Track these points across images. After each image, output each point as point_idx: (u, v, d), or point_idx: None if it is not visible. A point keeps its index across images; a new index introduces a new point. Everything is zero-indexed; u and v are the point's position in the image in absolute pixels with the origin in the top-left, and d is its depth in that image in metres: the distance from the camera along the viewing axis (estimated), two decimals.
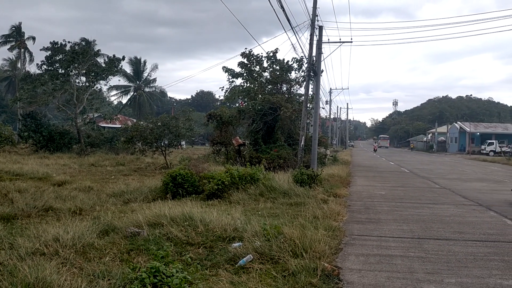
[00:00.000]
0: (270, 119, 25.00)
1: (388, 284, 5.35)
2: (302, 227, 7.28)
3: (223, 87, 28.91)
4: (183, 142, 32.22)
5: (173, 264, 5.31)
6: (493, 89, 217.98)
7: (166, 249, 6.02)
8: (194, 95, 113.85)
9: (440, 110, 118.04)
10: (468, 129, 74.17)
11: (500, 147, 65.71)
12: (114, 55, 37.16)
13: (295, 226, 7.48)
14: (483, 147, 67.47)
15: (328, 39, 25.62)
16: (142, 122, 28.31)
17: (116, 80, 57.74)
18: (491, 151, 64.40)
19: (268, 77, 27.23)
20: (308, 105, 23.11)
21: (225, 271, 5.65)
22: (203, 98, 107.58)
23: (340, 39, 25.49)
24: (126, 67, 62.93)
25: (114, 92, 65.57)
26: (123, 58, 37.97)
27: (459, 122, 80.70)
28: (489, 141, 67.99)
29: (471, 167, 34.08)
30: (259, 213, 9.60)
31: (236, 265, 5.91)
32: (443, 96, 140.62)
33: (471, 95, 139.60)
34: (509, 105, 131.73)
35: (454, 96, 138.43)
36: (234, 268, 5.81)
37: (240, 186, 12.62)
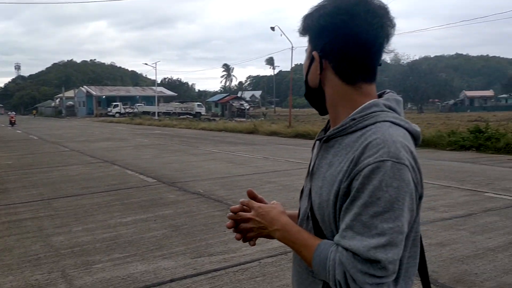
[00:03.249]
0: None
1: (18, 245, 5.47)
2: None
3: None
4: None
5: None
6: (115, 54, 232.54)
7: None
8: None
9: (67, 74, 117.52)
10: (95, 93, 77.32)
11: (124, 108, 71.78)
12: None
13: None
14: (109, 109, 72.06)
15: None
16: None
17: None
18: (117, 112, 69.56)
19: None
20: None
21: None
22: None
23: None
24: None
25: None
26: None
27: (85, 86, 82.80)
28: (115, 103, 73.16)
29: (99, 128, 36.08)
30: None
31: None
32: (68, 60, 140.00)
33: (95, 59, 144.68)
34: (130, 70, 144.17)
35: (79, 61, 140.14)
36: None
37: None
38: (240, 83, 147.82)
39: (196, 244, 5.39)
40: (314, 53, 1.24)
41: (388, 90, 1.30)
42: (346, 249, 1.07)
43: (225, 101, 68.46)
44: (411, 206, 1.09)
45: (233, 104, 65.18)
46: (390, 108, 1.20)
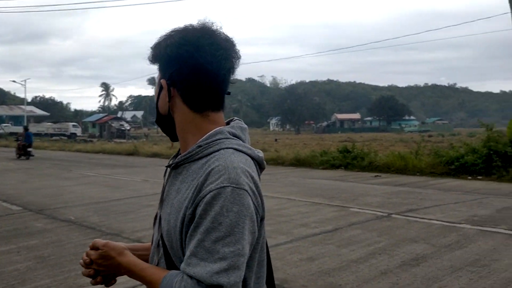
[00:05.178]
0: None
1: None
2: None
3: None
4: None
5: None
6: None
7: None
8: None
9: None
10: None
11: None
12: None
13: None
14: None
15: None
16: None
17: None
18: None
19: None
20: None
21: None
22: None
23: None
24: None
25: None
26: None
27: None
28: None
29: None
30: None
31: None
32: None
33: None
34: None
35: None
36: None
37: None
38: (121, 102, 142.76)
39: (64, 275, 5.02)
40: (163, 81, 1.27)
41: (235, 118, 1.37)
42: (191, 277, 1.10)
43: (104, 121, 65.44)
44: (252, 228, 1.16)
45: (112, 124, 62.56)
46: (235, 135, 1.26)
